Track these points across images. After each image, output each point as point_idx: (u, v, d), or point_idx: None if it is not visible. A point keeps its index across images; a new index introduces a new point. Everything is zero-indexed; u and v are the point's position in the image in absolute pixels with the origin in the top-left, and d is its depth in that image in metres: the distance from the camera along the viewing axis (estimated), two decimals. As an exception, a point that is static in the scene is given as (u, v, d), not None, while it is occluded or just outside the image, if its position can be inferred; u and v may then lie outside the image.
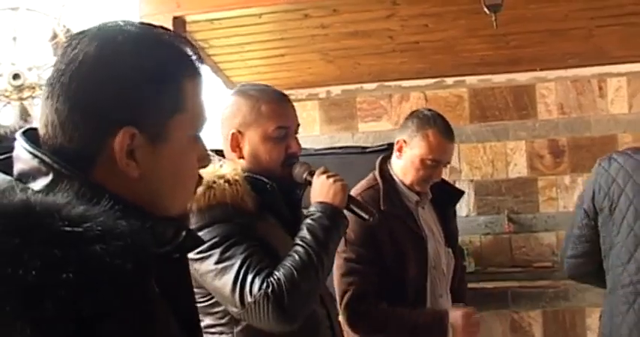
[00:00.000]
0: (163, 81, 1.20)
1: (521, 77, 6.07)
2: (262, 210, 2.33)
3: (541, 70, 6.02)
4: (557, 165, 5.97)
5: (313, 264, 2.22)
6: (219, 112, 2.53)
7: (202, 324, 2.11)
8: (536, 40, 5.53)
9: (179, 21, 4.50)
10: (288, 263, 2.20)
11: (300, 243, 2.25)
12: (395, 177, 3.30)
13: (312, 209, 2.35)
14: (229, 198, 2.26)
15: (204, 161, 1.34)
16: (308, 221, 2.31)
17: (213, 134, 2.59)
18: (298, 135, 2.52)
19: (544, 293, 5.36)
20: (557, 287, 5.34)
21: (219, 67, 5.72)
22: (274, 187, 2.37)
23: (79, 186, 1.10)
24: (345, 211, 2.42)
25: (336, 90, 6.28)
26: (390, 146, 4.91)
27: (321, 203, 2.35)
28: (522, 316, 5.52)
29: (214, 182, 2.27)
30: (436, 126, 3.25)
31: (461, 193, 3.57)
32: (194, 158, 1.29)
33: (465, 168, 6.08)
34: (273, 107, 2.45)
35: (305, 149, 4.84)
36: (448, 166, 3.50)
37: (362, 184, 3.33)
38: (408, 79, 6.16)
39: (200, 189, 2.20)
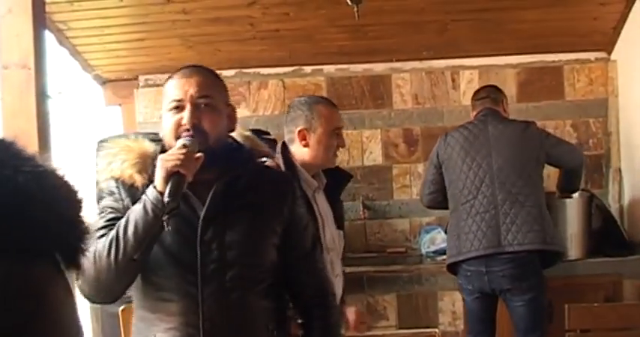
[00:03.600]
0: None
1: (378, 67, 6.19)
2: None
3: (397, 61, 6.15)
4: (411, 153, 6.12)
5: (111, 247, 2.35)
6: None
7: None
8: (394, 32, 5.69)
9: (38, 1, 4.35)
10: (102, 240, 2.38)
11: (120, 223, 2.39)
12: (296, 165, 3.39)
13: None
14: (119, 174, 2.46)
15: None
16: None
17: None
18: (160, 122, 2.56)
19: (398, 278, 5.52)
20: (411, 272, 5.50)
21: (78, 49, 5.61)
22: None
23: None
24: None
25: (195, 76, 6.24)
26: (254, 132, 4.97)
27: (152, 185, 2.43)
28: (377, 300, 5.64)
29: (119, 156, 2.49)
30: (321, 100, 3.55)
31: (350, 176, 3.77)
32: None
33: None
34: (171, 81, 2.54)
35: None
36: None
37: None
38: (266, 67, 6.18)
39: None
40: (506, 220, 4.61)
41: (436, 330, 5.43)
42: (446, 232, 5.08)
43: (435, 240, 5.74)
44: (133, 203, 2.40)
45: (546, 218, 4.69)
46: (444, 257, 5.45)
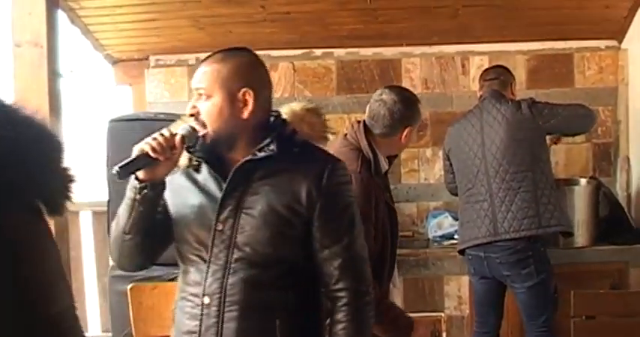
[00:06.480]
0: None
1: (388, 52, 6.18)
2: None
3: (407, 45, 6.14)
4: (419, 138, 6.09)
5: (115, 219, 2.55)
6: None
7: None
8: (404, 17, 5.67)
9: (50, -20, 4.38)
10: None
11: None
12: (377, 151, 3.49)
13: None
14: None
15: None
16: None
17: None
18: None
19: (405, 262, 5.51)
20: (418, 256, 5.51)
21: (89, 29, 5.61)
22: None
23: None
24: None
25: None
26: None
27: None
28: (383, 283, 5.66)
29: None
30: (417, 98, 3.70)
31: (396, 154, 3.78)
32: None
33: (331, 138, 6.11)
34: None
35: (174, 115, 4.84)
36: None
37: (341, 142, 3.49)
38: (277, 49, 6.17)
39: None
40: (502, 208, 4.65)
41: (442, 314, 5.44)
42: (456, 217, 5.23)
43: (442, 224, 5.76)
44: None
45: (542, 200, 4.63)
46: (451, 241, 5.50)
